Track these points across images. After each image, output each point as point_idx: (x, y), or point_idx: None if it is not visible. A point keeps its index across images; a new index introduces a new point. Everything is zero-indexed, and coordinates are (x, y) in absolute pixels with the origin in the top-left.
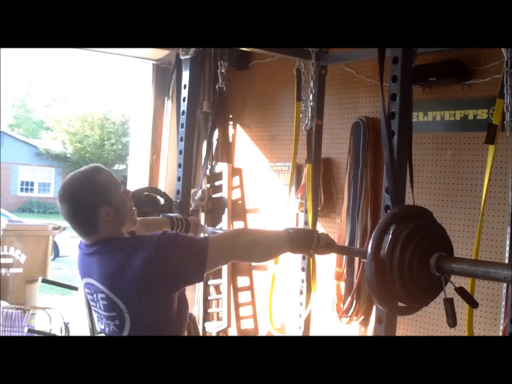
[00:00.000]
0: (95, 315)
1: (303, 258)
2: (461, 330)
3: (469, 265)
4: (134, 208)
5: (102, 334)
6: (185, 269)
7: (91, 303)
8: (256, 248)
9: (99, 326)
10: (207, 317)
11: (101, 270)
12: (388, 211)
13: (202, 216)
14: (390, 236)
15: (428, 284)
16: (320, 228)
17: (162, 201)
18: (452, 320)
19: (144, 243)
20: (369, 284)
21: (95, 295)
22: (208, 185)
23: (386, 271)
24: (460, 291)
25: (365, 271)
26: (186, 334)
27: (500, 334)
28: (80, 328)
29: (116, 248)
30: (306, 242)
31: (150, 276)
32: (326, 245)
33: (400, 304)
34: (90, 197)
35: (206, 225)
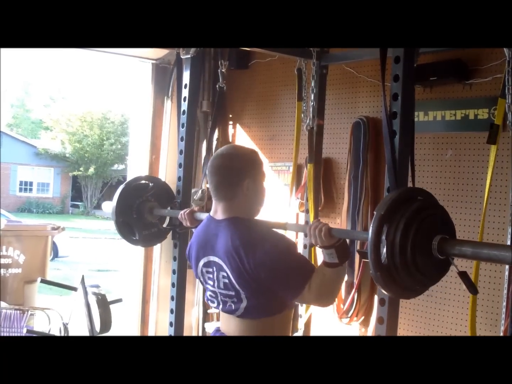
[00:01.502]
0: (208, 293)
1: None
2: (461, 330)
3: (472, 247)
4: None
5: (102, 335)
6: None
7: (209, 282)
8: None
9: (212, 304)
10: (207, 317)
11: (225, 247)
12: (375, 212)
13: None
14: (385, 239)
15: (432, 267)
16: None
17: (150, 184)
18: (473, 290)
19: (270, 237)
20: (382, 289)
21: (215, 274)
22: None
23: (392, 274)
24: (462, 275)
25: (374, 280)
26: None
27: (501, 334)
28: (79, 329)
29: (246, 228)
30: (347, 250)
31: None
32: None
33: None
34: (241, 166)
35: None
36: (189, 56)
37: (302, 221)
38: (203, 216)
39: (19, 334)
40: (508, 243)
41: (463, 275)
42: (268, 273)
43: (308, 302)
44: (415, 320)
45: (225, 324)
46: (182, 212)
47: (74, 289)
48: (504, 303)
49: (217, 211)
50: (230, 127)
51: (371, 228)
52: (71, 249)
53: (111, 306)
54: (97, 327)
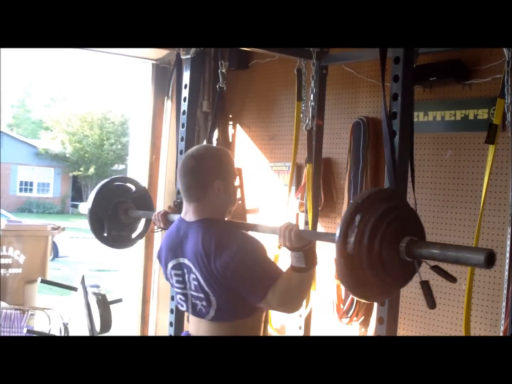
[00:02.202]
0: (178, 296)
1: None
2: (461, 331)
3: (439, 249)
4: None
5: (102, 335)
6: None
7: (177, 285)
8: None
9: (182, 307)
10: None
11: (195, 248)
12: (351, 201)
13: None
14: (356, 228)
15: (401, 269)
16: (321, 228)
17: (133, 188)
18: (431, 302)
19: (237, 238)
20: (340, 279)
21: (186, 276)
22: None
23: (356, 265)
24: (436, 269)
25: (336, 267)
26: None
27: (501, 334)
28: (80, 329)
29: (215, 230)
30: (315, 255)
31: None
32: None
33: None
34: (212, 167)
35: None
36: (189, 56)
37: (302, 221)
38: (176, 217)
39: (19, 334)
40: (508, 243)
41: (437, 269)
42: (233, 273)
43: (272, 307)
44: (415, 320)
45: (195, 328)
46: (155, 213)
47: (74, 289)
48: (504, 303)
49: (188, 212)
50: (230, 127)
51: (344, 213)
52: (71, 249)
53: (111, 306)
54: (97, 327)
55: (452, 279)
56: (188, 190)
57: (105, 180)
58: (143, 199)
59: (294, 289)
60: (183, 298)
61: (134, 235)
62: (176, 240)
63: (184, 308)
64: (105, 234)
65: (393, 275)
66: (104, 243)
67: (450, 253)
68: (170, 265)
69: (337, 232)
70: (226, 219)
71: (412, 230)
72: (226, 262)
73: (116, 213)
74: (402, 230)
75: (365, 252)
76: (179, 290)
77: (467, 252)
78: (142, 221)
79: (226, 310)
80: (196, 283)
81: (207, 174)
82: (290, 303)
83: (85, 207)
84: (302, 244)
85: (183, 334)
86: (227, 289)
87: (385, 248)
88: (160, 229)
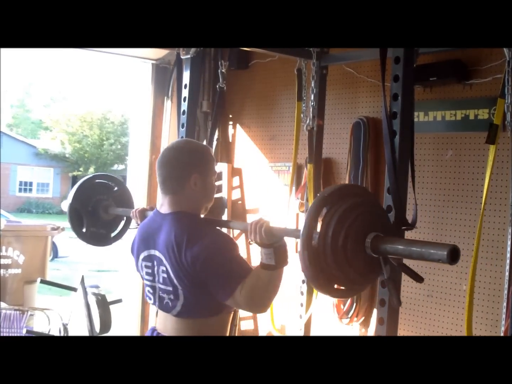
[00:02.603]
0: (147, 289)
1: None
2: (461, 331)
3: (404, 245)
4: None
5: (102, 335)
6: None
7: (146, 277)
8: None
9: (149, 300)
10: None
11: (167, 240)
12: (318, 194)
13: (202, 216)
14: (321, 220)
15: (367, 265)
16: None
17: (115, 187)
18: (396, 300)
19: (208, 234)
20: (304, 271)
21: (155, 268)
22: None
23: (320, 257)
24: (402, 266)
25: (299, 259)
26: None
27: (502, 335)
28: (79, 330)
29: (189, 223)
30: (285, 254)
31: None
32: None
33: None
34: (191, 160)
35: None
36: (189, 56)
37: (302, 221)
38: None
39: (18, 335)
40: (509, 243)
41: (403, 267)
42: (203, 267)
43: (239, 305)
44: (415, 320)
45: (162, 324)
46: (133, 210)
47: (74, 289)
48: (505, 304)
49: (163, 204)
50: (230, 127)
51: (310, 206)
52: (70, 249)
53: (111, 307)
54: (97, 328)
55: (419, 278)
56: (165, 182)
57: (87, 176)
58: (124, 198)
59: (262, 287)
60: (151, 291)
61: (113, 234)
62: (149, 232)
63: (151, 301)
64: (84, 230)
65: (358, 270)
66: (81, 239)
67: (414, 249)
68: (141, 256)
69: (303, 225)
70: (202, 216)
71: (380, 227)
72: (196, 255)
73: (96, 210)
74: (369, 226)
75: (329, 245)
76: (148, 283)
77: (431, 247)
78: (122, 221)
79: (193, 305)
80: (165, 275)
81: (185, 167)
82: (258, 302)
83: (65, 203)
84: (273, 241)
85: (149, 330)
86: (196, 283)
87: (350, 242)
88: (137, 226)
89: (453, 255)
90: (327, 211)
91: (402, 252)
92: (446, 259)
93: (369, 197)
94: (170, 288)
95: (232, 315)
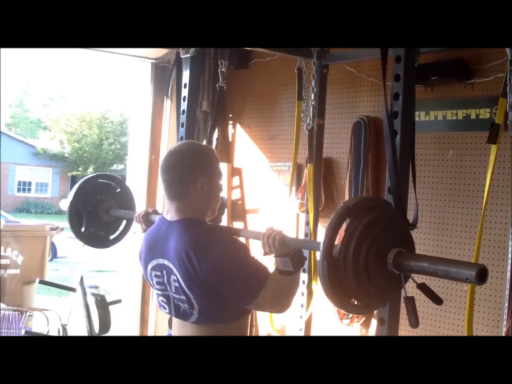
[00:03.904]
0: (159, 298)
1: (305, 260)
2: (462, 331)
3: (429, 263)
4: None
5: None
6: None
7: (157, 286)
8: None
9: (164, 310)
10: None
11: (176, 249)
12: (342, 204)
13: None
14: (344, 232)
15: (386, 282)
16: (321, 229)
17: (118, 188)
18: (414, 320)
19: (218, 242)
20: (322, 283)
21: (166, 277)
22: None
23: (340, 269)
24: (422, 287)
25: (318, 270)
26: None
27: (503, 335)
28: (78, 330)
29: (198, 230)
30: (302, 258)
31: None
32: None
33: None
34: (196, 163)
35: None
36: (189, 55)
37: (302, 221)
38: (158, 218)
39: (17, 335)
40: (510, 243)
41: (423, 288)
42: (219, 277)
43: (263, 308)
44: None
45: (178, 331)
46: (136, 214)
47: (73, 290)
48: (506, 304)
49: (169, 211)
50: (230, 127)
51: (333, 215)
52: (69, 249)
53: (110, 307)
54: (96, 328)
55: (437, 300)
56: (170, 188)
57: (90, 175)
58: (127, 200)
59: (285, 290)
60: (165, 300)
61: (112, 237)
62: (156, 240)
63: (166, 311)
64: (82, 230)
65: (377, 286)
66: (79, 239)
67: (441, 267)
68: (149, 266)
69: (325, 235)
70: (209, 217)
71: (402, 243)
72: (212, 265)
73: (97, 210)
74: (391, 241)
75: (351, 257)
76: (160, 292)
77: (459, 266)
78: (123, 224)
79: (209, 313)
80: (177, 284)
81: (190, 171)
82: (282, 303)
83: (64, 202)
84: (288, 250)
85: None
86: (210, 291)
87: (372, 255)
88: (144, 231)
89: (482, 275)
90: (350, 222)
91: (427, 269)
92: (474, 279)
93: (391, 211)
94: (183, 297)
95: (249, 320)
